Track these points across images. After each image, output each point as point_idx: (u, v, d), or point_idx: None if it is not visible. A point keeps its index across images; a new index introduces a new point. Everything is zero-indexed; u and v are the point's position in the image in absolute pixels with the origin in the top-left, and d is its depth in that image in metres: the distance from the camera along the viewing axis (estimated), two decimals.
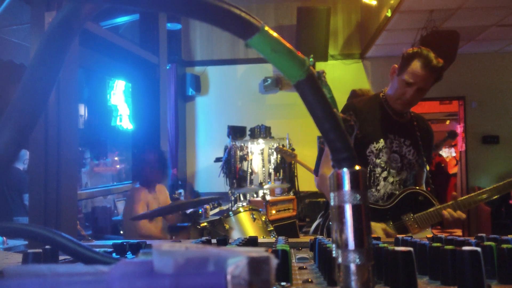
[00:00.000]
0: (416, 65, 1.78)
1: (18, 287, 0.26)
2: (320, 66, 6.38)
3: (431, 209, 1.79)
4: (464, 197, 1.79)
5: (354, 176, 0.36)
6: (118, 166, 6.76)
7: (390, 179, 1.89)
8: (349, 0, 6.74)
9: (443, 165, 9.47)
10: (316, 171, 2.03)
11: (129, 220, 2.84)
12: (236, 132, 6.30)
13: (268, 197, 4.93)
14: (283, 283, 0.49)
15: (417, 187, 1.90)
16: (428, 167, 2.01)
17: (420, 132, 1.96)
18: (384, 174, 1.88)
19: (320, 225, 2.00)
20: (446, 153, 10.24)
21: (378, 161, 1.87)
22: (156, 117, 3.25)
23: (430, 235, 1.83)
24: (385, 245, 0.54)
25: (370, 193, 1.88)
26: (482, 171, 6.74)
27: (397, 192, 1.87)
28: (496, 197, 1.76)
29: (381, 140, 1.88)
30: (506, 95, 6.72)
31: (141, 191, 2.97)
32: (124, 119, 6.11)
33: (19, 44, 4.12)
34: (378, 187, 1.88)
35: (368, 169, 1.87)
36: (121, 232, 4.31)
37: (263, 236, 3.26)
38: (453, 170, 10.06)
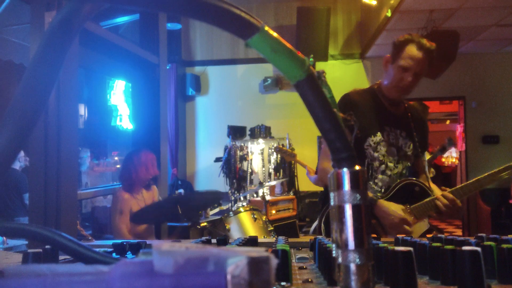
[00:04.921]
0: (410, 49, 1.81)
1: (18, 287, 0.26)
2: (320, 66, 6.38)
3: (427, 199, 1.79)
4: (458, 186, 1.80)
5: (354, 176, 0.36)
6: (118, 166, 6.76)
7: (388, 172, 1.89)
8: (349, 0, 6.74)
9: (439, 165, 9.49)
10: (317, 171, 2.05)
11: (114, 225, 2.81)
12: (236, 132, 6.30)
13: (268, 197, 4.93)
14: (283, 283, 0.49)
15: (413, 178, 1.91)
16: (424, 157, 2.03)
17: (414, 123, 1.97)
18: (382, 167, 1.89)
19: (316, 228, 2.01)
20: (446, 153, 10.24)
21: (376, 154, 1.87)
22: (156, 117, 3.25)
23: (427, 226, 1.84)
24: (385, 245, 0.54)
25: (368, 186, 1.88)
26: (482, 171, 6.70)
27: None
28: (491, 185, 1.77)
29: (378, 134, 1.89)
30: (506, 95, 6.72)
31: (120, 198, 2.81)
32: (124, 119, 6.12)
33: (19, 44, 4.12)
34: (376, 180, 1.89)
35: (366, 163, 1.87)
36: None
37: (263, 236, 3.26)
38: (446, 169, 10.09)
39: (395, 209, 1.74)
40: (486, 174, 1.77)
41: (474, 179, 1.81)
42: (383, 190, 1.90)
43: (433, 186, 1.96)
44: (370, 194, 1.78)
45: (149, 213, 2.83)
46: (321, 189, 2.24)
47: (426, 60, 1.81)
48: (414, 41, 1.82)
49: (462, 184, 1.83)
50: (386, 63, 1.91)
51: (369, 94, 1.96)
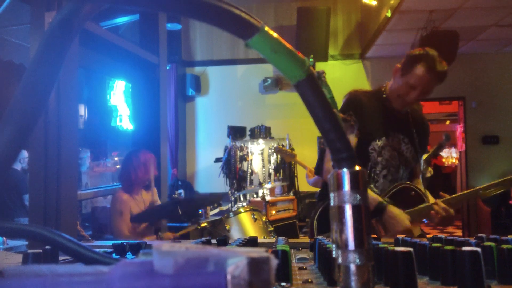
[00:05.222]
0: (421, 69, 1.77)
1: (18, 287, 0.26)
2: (320, 66, 6.38)
3: (422, 206, 1.79)
4: (454, 195, 1.80)
5: (354, 176, 0.36)
6: (118, 166, 6.76)
7: (389, 177, 1.90)
8: (349, 0, 6.74)
9: (439, 165, 9.50)
10: (317, 171, 2.04)
11: (114, 226, 2.81)
12: (236, 132, 6.29)
13: (268, 198, 4.93)
14: (283, 284, 0.49)
15: (409, 182, 1.91)
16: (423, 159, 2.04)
17: (416, 128, 1.97)
18: (384, 172, 1.89)
19: (309, 225, 2.01)
20: (446, 153, 10.25)
21: (379, 159, 1.87)
22: (156, 117, 3.25)
23: (419, 232, 1.84)
24: (385, 245, 0.54)
25: (370, 189, 1.88)
26: (482, 171, 6.74)
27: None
28: (492, 194, 1.77)
29: (383, 138, 1.89)
30: (506, 95, 6.72)
31: (120, 199, 2.80)
32: (124, 119, 6.12)
33: (19, 44, 4.12)
34: (377, 184, 1.89)
35: (369, 166, 1.87)
36: None
37: (263, 237, 3.26)
38: (447, 170, 10.10)
39: (404, 218, 1.73)
40: (482, 186, 1.77)
41: (469, 190, 1.81)
42: (382, 194, 1.90)
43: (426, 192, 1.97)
44: (379, 198, 1.77)
45: (149, 215, 2.83)
46: None
47: (436, 80, 1.79)
48: (427, 61, 1.77)
49: (459, 194, 1.83)
50: (396, 72, 1.89)
51: (375, 97, 1.95)
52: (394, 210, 1.74)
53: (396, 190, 1.85)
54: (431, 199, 1.86)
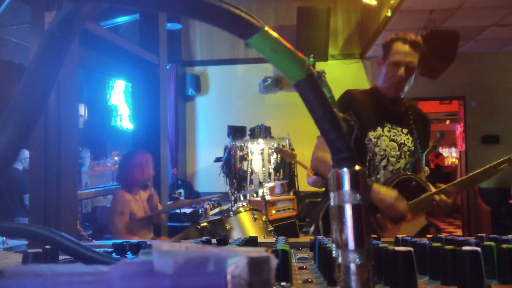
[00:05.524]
0: (397, 45, 1.87)
1: (18, 287, 0.26)
2: (320, 66, 6.37)
3: (424, 195, 1.79)
4: (455, 181, 1.81)
5: (354, 176, 0.36)
6: (118, 166, 6.76)
7: (390, 168, 1.90)
8: (349, 0, 6.73)
9: (441, 165, 9.49)
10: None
11: (113, 225, 2.81)
12: (236, 132, 6.29)
13: (268, 197, 4.93)
14: (283, 283, 0.49)
15: (409, 173, 1.91)
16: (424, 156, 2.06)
17: (415, 123, 1.99)
18: (384, 162, 1.89)
19: (314, 226, 2.01)
20: (446, 153, 10.26)
21: (377, 149, 1.88)
22: (156, 117, 3.25)
23: (425, 222, 1.84)
24: (385, 245, 0.54)
25: (370, 181, 1.88)
26: None
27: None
28: (489, 178, 1.78)
29: (378, 128, 1.91)
30: (506, 95, 6.71)
31: (121, 199, 2.82)
32: (124, 119, 6.12)
33: (19, 44, 4.12)
34: (378, 176, 1.89)
35: (368, 158, 1.88)
36: None
37: (264, 236, 3.26)
38: (447, 169, 10.11)
39: (387, 190, 1.77)
40: (480, 169, 1.78)
41: (468, 175, 1.82)
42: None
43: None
44: None
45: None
46: (322, 189, 2.23)
47: (415, 52, 1.86)
48: (400, 38, 1.89)
49: (457, 180, 1.84)
50: (379, 64, 1.97)
51: (369, 94, 1.99)
52: (378, 187, 1.78)
53: (398, 181, 1.85)
54: (432, 189, 1.87)
